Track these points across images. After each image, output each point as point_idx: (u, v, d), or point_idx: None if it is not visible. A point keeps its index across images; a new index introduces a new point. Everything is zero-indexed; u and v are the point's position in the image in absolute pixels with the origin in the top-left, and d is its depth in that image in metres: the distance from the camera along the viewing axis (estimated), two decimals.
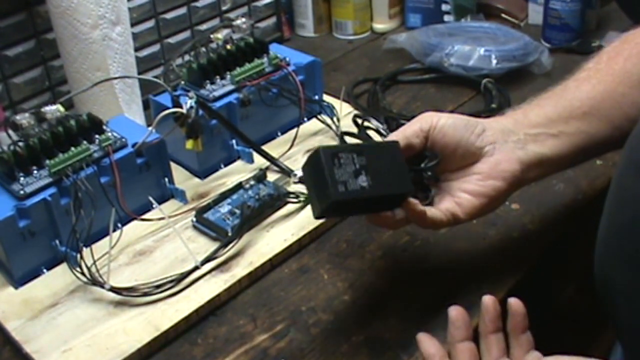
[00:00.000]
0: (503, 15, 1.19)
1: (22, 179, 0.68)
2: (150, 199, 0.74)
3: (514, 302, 0.55)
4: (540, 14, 1.12)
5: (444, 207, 0.61)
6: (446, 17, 1.17)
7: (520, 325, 0.55)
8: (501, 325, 0.55)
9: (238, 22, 0.86)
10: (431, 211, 0.59)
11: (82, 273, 0.66)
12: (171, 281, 0.67)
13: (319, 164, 0.54)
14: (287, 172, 0.81)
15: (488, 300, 0.55)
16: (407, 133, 0.61)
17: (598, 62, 0.67)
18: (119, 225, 0.74)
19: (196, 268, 0.69)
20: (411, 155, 0.60)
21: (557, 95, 0.66)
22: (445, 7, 1.16)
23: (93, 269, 0.66)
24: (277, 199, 0.77)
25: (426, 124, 0.61)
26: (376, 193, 0.55)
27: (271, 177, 0.81)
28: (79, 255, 0.67)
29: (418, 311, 0.66)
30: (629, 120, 0.62)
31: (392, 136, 0.61)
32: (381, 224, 0.61)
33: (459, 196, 0.61)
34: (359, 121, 0.69)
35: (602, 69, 0.66)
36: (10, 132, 0.69)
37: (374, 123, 0.75)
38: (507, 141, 0.62)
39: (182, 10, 1.00)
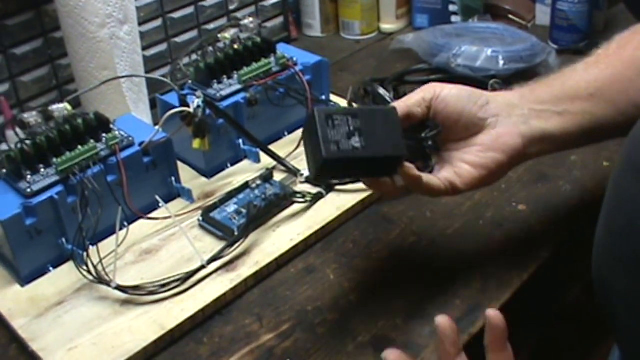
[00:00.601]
0: (510, 16, 1.19)
1: (29, 177, 0.69)
2: (157, 197, 0.74)
3: (494, 315, 0.52)
4: (548, 15, 1.12)
5: (442, 176, 0.61)
6: (453, 18, 1.17)
7: (501, 340, 0.52)
8: (461, 346, 0.54)
9: (245, 21, 0.86)
10: (428, 177, 0.59)
11: (89, 271, 0.66)
12: (177, 280, 0.67)
13: (314, 125, 0.55)
14: (293, 172, 0.81)
15: (443, 322, 0.52)
16: (409, 102, 0.61)
17: (607, 48, 0.67)
18: (126, 223, 0.73)
19: (202, 267, 0.69)
20: (413, 124, 0.61)
21: (565, 75, 0.66)
22: (452, 8, 1.16)
23: (99, 268, 0.66)
24: (283, 199, 0.77)
25: (429, 93, 0.62)
26: (368, 154, 0.56)
27: (278, 176, 0.81)
28: (85, 254, 0.67)
29: (424, 311, 0.66)
30: (634, 106, 0.63)
31: (394, 104, 0.61)
32: (380, 190, 0.61)
33: (459, 166, 0.62)
34: (368, 89, 0.70)
35: (612, 55, 0.66)
36: (18, 130, 0.69)
37: (381, 91, 0.76)
38: (511, 115, 0.63)
39: (190, 10, 1.00)
